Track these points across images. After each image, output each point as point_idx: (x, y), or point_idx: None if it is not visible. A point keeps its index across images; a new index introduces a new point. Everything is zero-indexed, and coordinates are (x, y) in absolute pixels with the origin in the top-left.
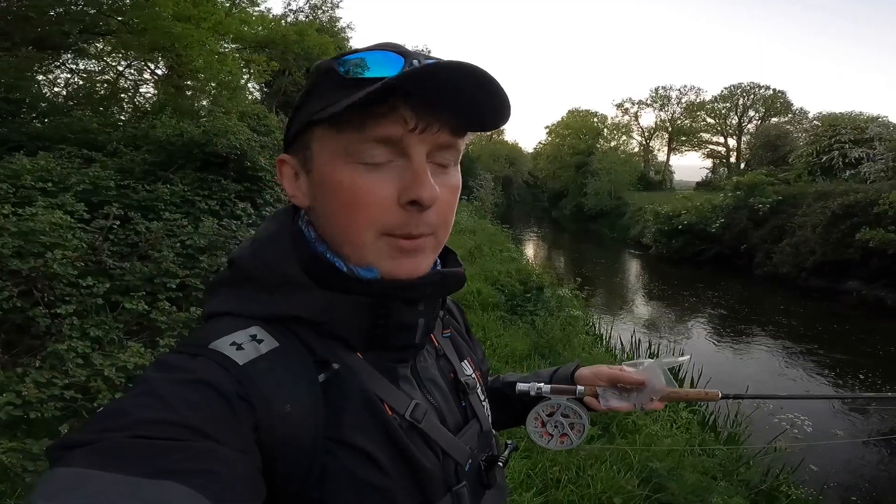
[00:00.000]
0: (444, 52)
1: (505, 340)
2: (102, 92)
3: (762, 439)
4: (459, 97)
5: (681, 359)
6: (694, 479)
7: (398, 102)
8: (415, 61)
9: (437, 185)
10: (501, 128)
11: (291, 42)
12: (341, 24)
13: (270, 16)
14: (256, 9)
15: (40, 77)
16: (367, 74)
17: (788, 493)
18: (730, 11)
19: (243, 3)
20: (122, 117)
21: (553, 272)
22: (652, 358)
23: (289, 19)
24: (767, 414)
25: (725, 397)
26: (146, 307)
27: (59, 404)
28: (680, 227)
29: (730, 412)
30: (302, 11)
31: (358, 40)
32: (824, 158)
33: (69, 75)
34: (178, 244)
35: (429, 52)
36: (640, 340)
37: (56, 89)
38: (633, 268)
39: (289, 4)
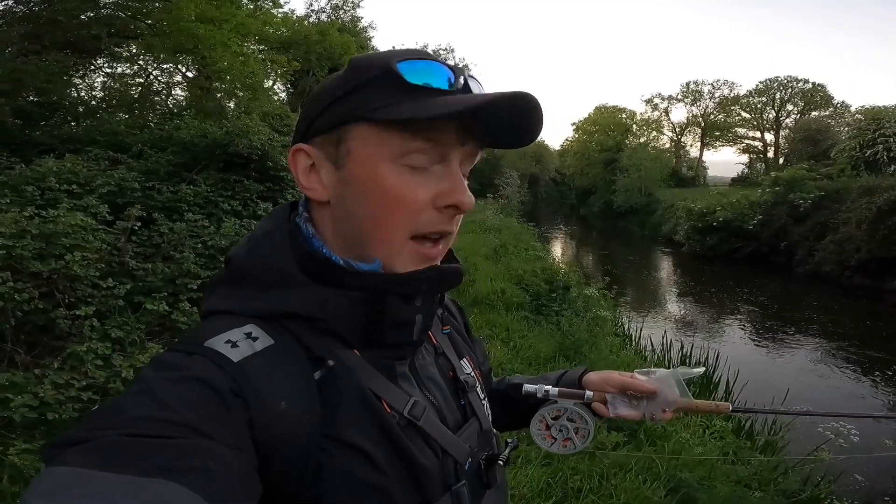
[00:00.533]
0: (467, 50)
1: (529, 341)
2: (136, 95)
3: (803, 448)
4: (505, 121)
5: (695, 370)
6: (726, 490)
7: (459, 118)
8: (461, 78)
9: None
10: None
11: (314, 42)
12: (363, 23)
13: (293, 17)
14: (280, 10)
15: (77, 81)
16: (426, 82)
17: None
18: (763, 4)
19: (267, 4)
20: (153, 120)
21: (580, 271)
22: (664, 367)
23: (311, 19)
24: (810, 421)
25: (736, 411)
26: (167, 308)
27: (76, 405)
28: (715, 223)
29: (767, 419)
30: (324, 11)
31: (379, 39)
32: (868, 153)
33: (105, 79)
34: (200, 245)
35: (452, 50)
36: (671, 342)
37: (93, 93)
38: (665, 266)
39: (311, 5)
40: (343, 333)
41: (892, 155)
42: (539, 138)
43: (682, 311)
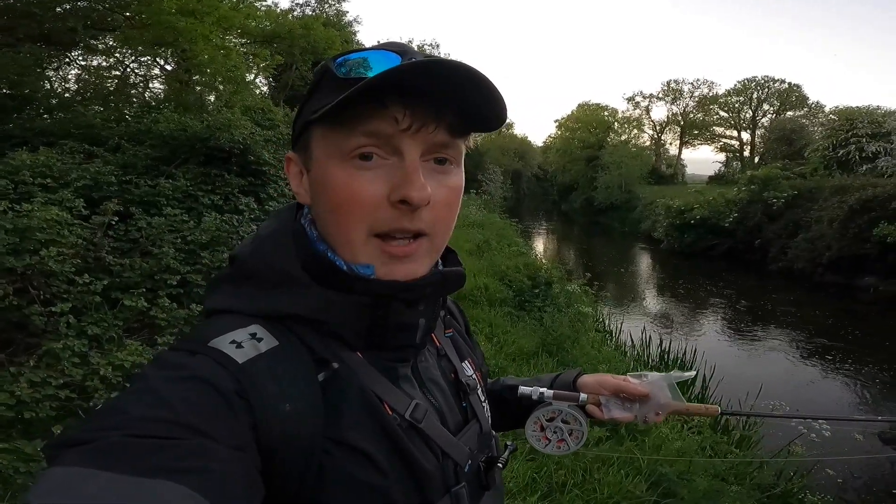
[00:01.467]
0: (453, 46)
1: (512, 337)
2: (111, 87)
3: (776, 441)
4: (453, 96)
5: (687, 374)
6: (705, 484)
7: (390, 101)
8: (413, 59)
9: (434, 185)
10: (508, 122)
11: (297, 36)
12: (348, 17)
13: (277, 10)
14: (264, 3)
15: (50, 73)
16: (366, 74)
17: (803, 499)
18: (742, 4)
19: None
20: (129, 113)
21: (562, 267)
22: (654, 371)
23: (295, 13)
24: (786, 419)
25: (725, 413)
26: (146, 304)
27: (53, 404)
28: (692, 221)
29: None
30: (308, 5)
31: (365, 34)
32: (841, 153)
33: (79, 71)
34: (180, 240)
35: (437, 46)
36: (650, 337)
37: (66, 85)
38: (644, 262)
39: None
40: (346, 335)
41: (863, 155)
42: (522, 134)
43: (661, 307)
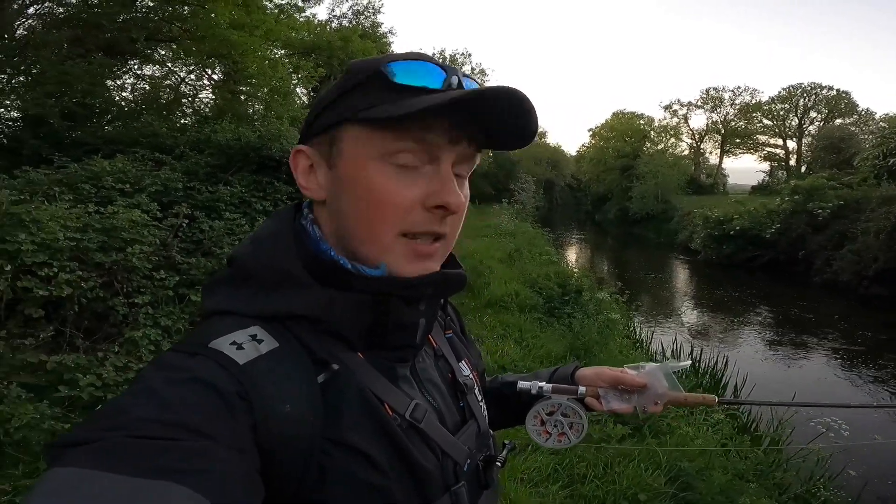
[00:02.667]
0: (485, 55)
1: (541, 342)
2: (166, 97)
3: (796, 443)
4: (496, 119)
5: (684, 363)
6: (723, 480)
7: (447, 115)
8: (454, 77)
9: None
10: (541, 131)
11: (336, 48)
12: (383, 28)
13: (316, 22)
14: (303, 15)
15: (109, 82)
16: (415, 83)
17: (822, 498)
18: (785, 10)
19: (291, 9)
20: (185, 121)
21: (593, 276)
22: (654, 362)
23: (333, 25)
24: (806, 419)
25: (721, 402)
26: None
27: None
28: (732, 232)
29: (773, 417)
30: (345, 17)
31: (399, 45)
32: (891, 161)
33: (135, 81)
34: (237, 242)
35: (469, 55)
36: (681, 347)
37: (124, 94)
38: (680, 273)
39: (333, 11)
40: (347, 335)
41: None
42: (555, 143)
43: (695, 318)
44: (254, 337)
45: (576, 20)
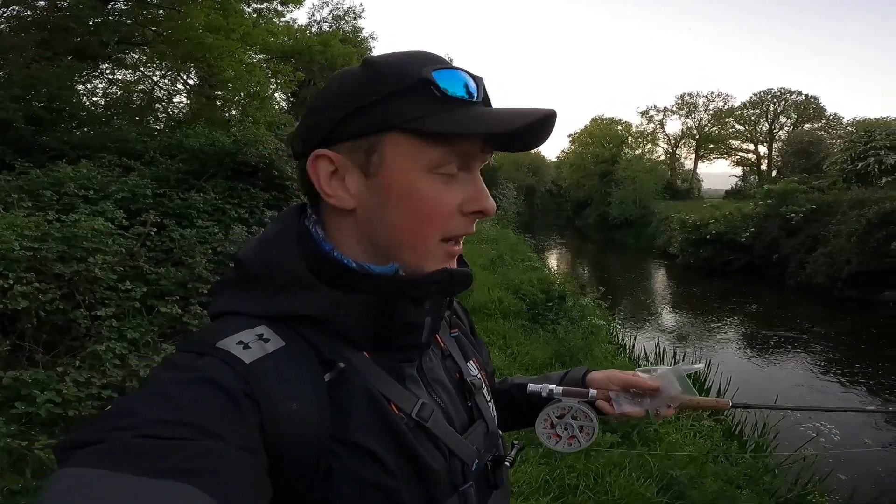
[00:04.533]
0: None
1: (526, 348)
2: (138, 102)
3: (790, 449)
4: (525, 134)
5: (695, 366)
6: (716, 488)
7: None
8: (481, 87)
9: None
10: None
11: (316, 52)
12: (364, 34)
13: (296, 26)
14: (282, 19)
15: (80, 87)
16: (459, 93)
17: (813, 503)
18: (756, 17)
19: (270, 14)
20: (158, 126)
21: (576, 281)
22: (666, 365)
23: (313, 30)
24: (794, 423)
25: (735, 406)
26: (179, 311)
27: (96, 403)
28: (708, 236)
29: (757, 421)
30: (325, 21)
31: (380, 50)
32: (860, 165)
33: (106, 85)
34: (210, 251)
35: (451, 60)
36: (664, 351)
37: (94, 99)
38: (659, 277)
39: (313, 15)
40: (352, 335)
41: (883, 167)
42: (536, 149)
43: (676, 322)
44: (260, 336)
45: (554, 27)
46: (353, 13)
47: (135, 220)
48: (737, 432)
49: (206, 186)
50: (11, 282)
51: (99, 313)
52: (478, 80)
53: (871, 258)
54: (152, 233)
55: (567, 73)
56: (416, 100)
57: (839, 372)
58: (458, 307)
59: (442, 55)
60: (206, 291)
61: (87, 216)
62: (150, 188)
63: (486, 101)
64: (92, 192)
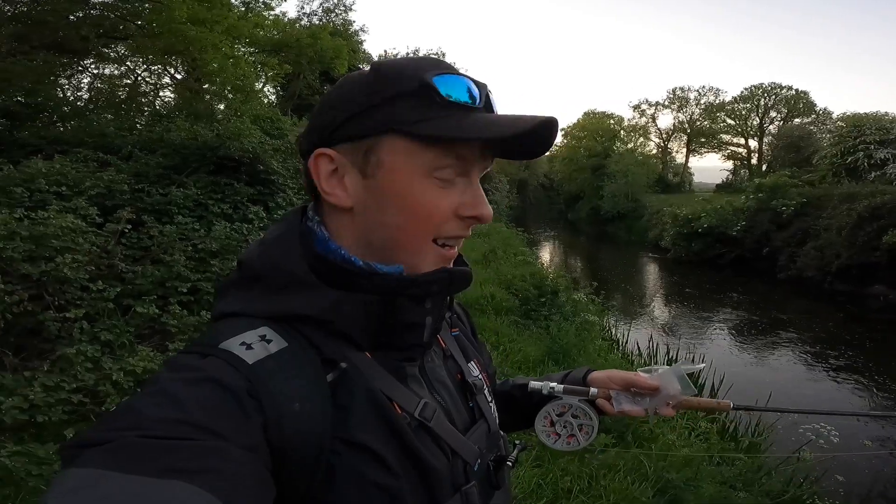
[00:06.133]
0: (458, 54)
1: (518, 345)
2: (123, 96)
3: (785, 449)
4: (527, 142)
5: (697, 366)
6: (712, 490)
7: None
8: (485, 92)
9: None
10: None
11: (305, 45)
12: (354, 27)
13: (285, 19)
14: (271, 13)
15: (63, 81)
16: (461, 98)
17: None
18: (747, 12)
19: (258, 6)
20: (141, 121)
21: (568, 276)
22: (668, 364)
23: (302, 22)
24: (791, 423)
25: (737, 408)
26: (157, 311)
27: (66, 408)
28: (700, 229)
29: (751, 421)
30: (315, 14)
31: (371, 43)
32: (849, 160)
33: (91, 80)
34: (191, 248)
35: (444, 55)
36: (657, 345)
37: (79, 93)
38: (651, 271)
39: (302, 8)
40: (354, 335)
41: (872, 162)
42: None
43: (668, 316)
44: (263, 337)
45: (548, 21)
46: (344, 6)
47: (110, 216)
48: (731, 431)
49: (188, 181)
50: None
51: (68, 315)
52: (481, 87)
53: (860, 252)
54: (128, 230)
55: (560, 67)
56: (416, 103)
57: (830, 367)
58: (459, 308)
59: (434, 50)
60: (185, 290)
61: (56, 213)
62: (128, 184)
63: (488, 107)
64: (65, 189)
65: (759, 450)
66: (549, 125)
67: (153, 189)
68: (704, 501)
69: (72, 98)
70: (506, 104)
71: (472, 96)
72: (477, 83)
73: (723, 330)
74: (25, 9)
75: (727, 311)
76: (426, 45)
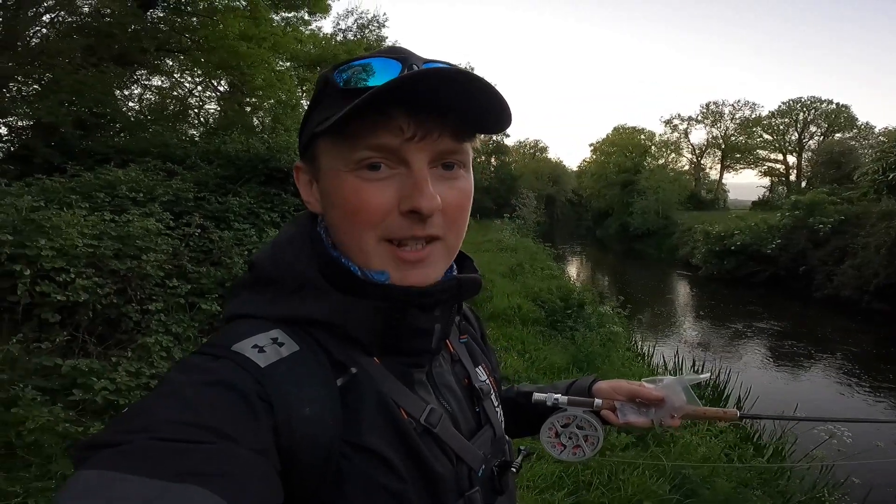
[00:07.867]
0: (488, 68)
1: (544, 354)
2: (173, 108)
3: (802, 453)
4: (455, 103)
5: (701, 376)
6: (728, 488)
7: (394, 111)
8: (414, 66)
9: (445, 189)
10: (542, 146)
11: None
12: (387, 42)
13: (321, 35)
14: (308, 28)
15: (117, 92)
16: (367, 83)
17: None
18: (784, 26)
19: (297, 22)
20: (193, 132)
21: (595, 290)
22: (672, 375)
23: (338, 38)
24: (810, 428)
25: (744, 417)
26: (218, 308)
27: (144, 393)
28: (732, 247)
29: (775, 427)
30: (350, 30)
31: None
32: (891, 176)
33: (142, 91)
34: (246, 252)
35: (472, 69)
36: (683, 360)
37: (131, 104)
38: (681, 288)
39: (338, 24)
40: (363, 340)
41: None
42: (556, 158)
43: (697, 332)
44: (275, 340)
45: (577, 35)
46: (378, 22)
47: (178, 221)
48: (754, 438)
49: (242, 191)
50: (73, 276)
51: (149, 308)
52: (406, 61)
53: None
54: (196, 234)
55: (591, 81)
56: (328, 103)
57: (864, 385)
58: (469, 313)
59: (463, 63)
60: None
61: (139, 216)
62: (192, 192)
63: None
64: (140, 195)
65: (782, 454)
66: (430, 77)
67: (213, 197)
68: (720, 498)
69: (125, 109)
70: (535, 118)
71: (383, 76)
72: (403, 58)
73: (754, 347)
74: (90, 19)
75: (758, 329)
76: (455, 59)
